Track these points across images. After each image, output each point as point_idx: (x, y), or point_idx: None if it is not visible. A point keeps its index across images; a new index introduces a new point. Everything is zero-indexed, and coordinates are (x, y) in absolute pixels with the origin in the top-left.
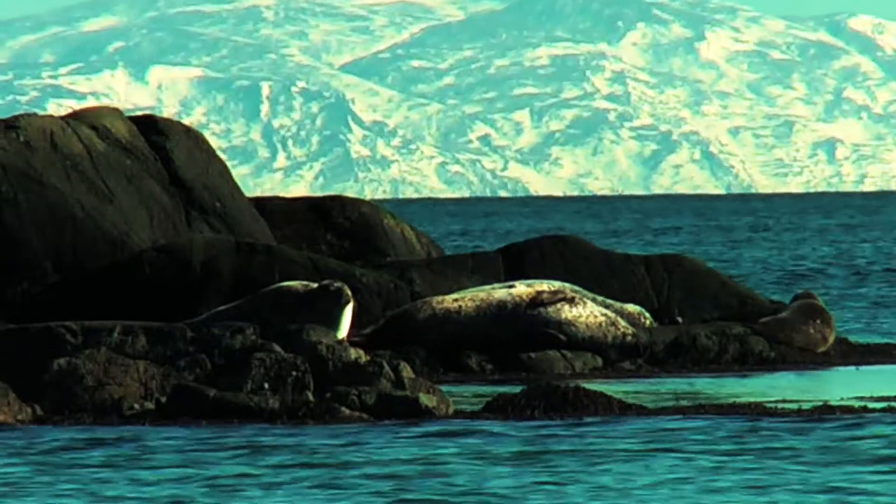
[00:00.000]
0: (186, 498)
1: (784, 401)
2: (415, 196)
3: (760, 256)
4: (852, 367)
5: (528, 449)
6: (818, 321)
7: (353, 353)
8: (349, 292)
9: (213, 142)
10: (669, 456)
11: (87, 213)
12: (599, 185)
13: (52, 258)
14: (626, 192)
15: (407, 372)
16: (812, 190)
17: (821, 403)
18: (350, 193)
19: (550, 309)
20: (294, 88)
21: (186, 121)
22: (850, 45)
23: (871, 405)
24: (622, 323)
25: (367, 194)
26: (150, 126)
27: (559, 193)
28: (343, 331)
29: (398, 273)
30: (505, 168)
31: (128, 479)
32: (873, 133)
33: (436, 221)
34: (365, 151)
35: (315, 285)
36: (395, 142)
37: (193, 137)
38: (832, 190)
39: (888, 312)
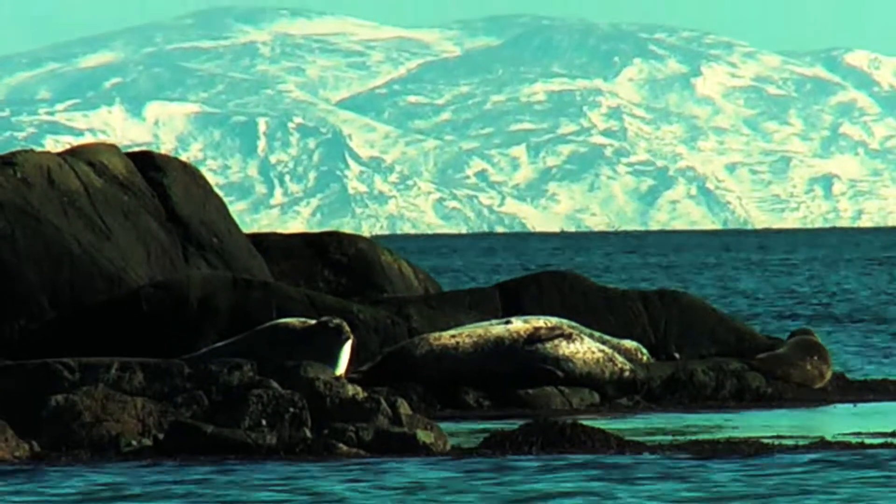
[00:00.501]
0: None
1: (781, 436)
2: (412, 232)
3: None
4: (850, 405)
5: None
6: (815, 357)
7: (351, 389)
8: (348, 329)
9: (210, 178)
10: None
11: (84, 250)
12: (596, 221)
13: (49, 294)
14: (623, 228)
15: (404, 408)
16: (808, 226)
17: (817, 440)
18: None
19: (548, 345)
20: (291, 124)
21: (183, 157)
22: (847, 81)
23: (868, 441)
24: (619, 359)
25: (365, 230)
26: (147, 162)
27: (556, 229)
28: (342, 367)
29: (395, 309)
30: (502, 204)
31: None
32: (870, 169)
33: (433, 257)
34: (362, 187)
35: (313, 322)
36: (393, 178)
37: (190, 173)
38: (828, 226)
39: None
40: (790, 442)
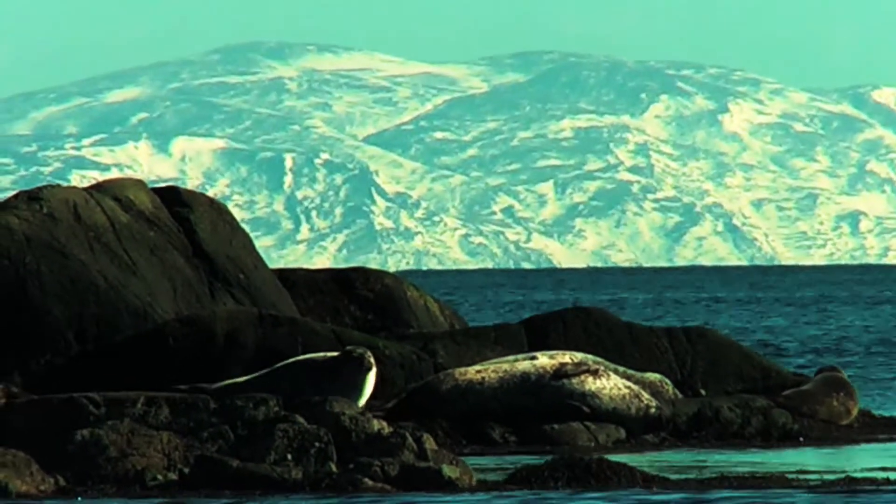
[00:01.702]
0: None
1: (805, 471)
2: (438, 268)
3: None
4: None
5: None
6: (842, 394)
7: (377, 424)
8: (372, 358)
9: (237, 213)
10: None
11: (110, 285)
12: (623, 258)
13: (75, 329)
14: (647, 265)
15: (430, 443)
16: (835, 262)
17: (843, 475)
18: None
19: (574, 381)
20: (317, 160)
21: (210, 192)
22: (874, 118)
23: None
24: (645, 395)
25: (391, 266)
26: (173, 197)
27: (582, 265)
28: (365, 397)
29: (421, 345)
30: (528, 240)
31: None
32: None
33: (459, 293)
34: (388, 223)
35: (337, 353)
36: (419, 213)
37: (217, 209)
38: (855, 263)
39: None
40: (815, 478)
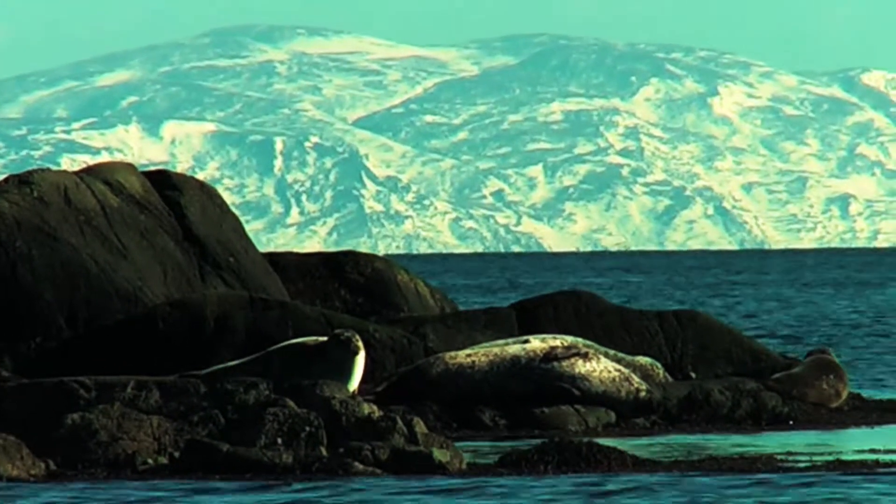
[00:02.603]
0: None
1: (794, 453)
2: (428, 251)
3: None
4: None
5: None
6: (831, 376)
7: (367, 408)
8: (360, 342)
9: (227, 197)
10: None
11: (100, 269)
12: (613, 241)
13: (65, 313)
14: (633, 248)
15: (420, 427)
16: (825, 245)
17: (834, 459)
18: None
19: (564, 364)
20: (307, 143)
21: (200, 176)
22: (864, 101)
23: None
24: (636, 379)
25: (381, 250)
26: (163, 181)
27: (572, 249)
28: (355, 381)
29: (412, 328)
30: (518, 223)
31: None
32: (887, 189)
33: (449, 276)
34: (378, 207)
35: (326, 338)
36: (409, 197)
37: (207, 193)
38: (845, 246)
39: None
40: (804, 459)
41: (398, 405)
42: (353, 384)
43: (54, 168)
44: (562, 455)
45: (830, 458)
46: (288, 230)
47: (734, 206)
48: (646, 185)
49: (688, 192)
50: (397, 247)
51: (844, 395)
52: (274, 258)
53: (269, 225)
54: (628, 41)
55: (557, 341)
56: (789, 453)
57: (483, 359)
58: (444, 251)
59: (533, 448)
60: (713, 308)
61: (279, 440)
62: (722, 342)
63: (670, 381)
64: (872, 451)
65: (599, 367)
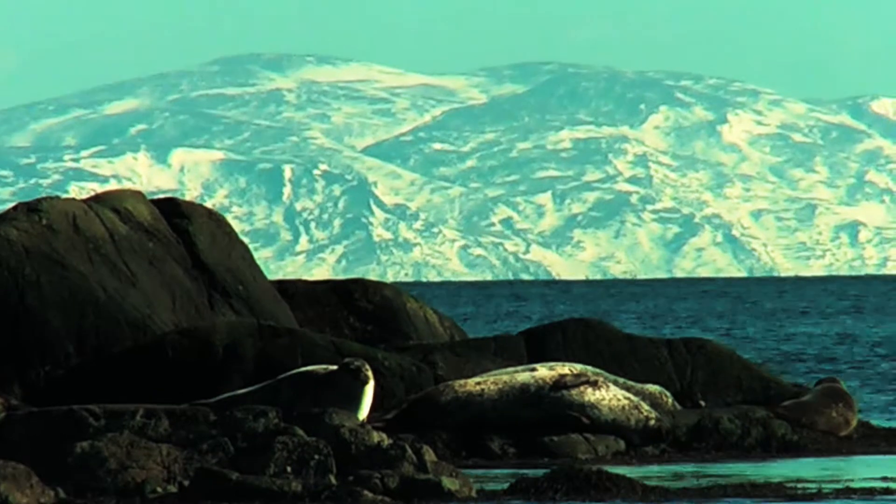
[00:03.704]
0: None
1: (803, 481)
2: (437, 279)
3: None
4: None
5: None
6: (841, 404)
7: (376, 436)
8: (369, 370)
9: (236, 225)
10: None
11: (109, 296)
12: (622, 269)
13: (74, 341)
14: (641, 276)
15: (429, 455)
16: (834, 273)
17: (843, 487)
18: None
19: (574, 392)
20: (316, 171)
21: (209, 203)
22: (873, 129)
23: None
24: (645, 407)
25: (390, 277)
26: (172, 209)
27: (581, 277)
28: (365, 409)
29: (421, 356)
30: (527, 251)
31: None
32: None
33: (458, 304)
34: (387, 234)
35: (335, 367)
36: (418, 225)
37: (216, 220)
38: (854, 273)
39: None
40: (814, 487)
41: (407, 433)
42: (363, 413)
43: (63, 196)
44: (571, 483)
45: (840, 485)
46: (297, 258)
47: (743, 234)
48: (655, 212)
49: (697, 220)
50: (406, 274)
51: (854, 423)
52: (283, 286)
53: (278, 253)
54: (637, 69)
55: (567, 369)
56: (799, 481)
57: (492, 387)
58: (453, 279)
59: (542, 476)
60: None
61: (288, 468)
62: (731, 370)
63: (679, 409)
64: (883, 478)
65: (609, 396)
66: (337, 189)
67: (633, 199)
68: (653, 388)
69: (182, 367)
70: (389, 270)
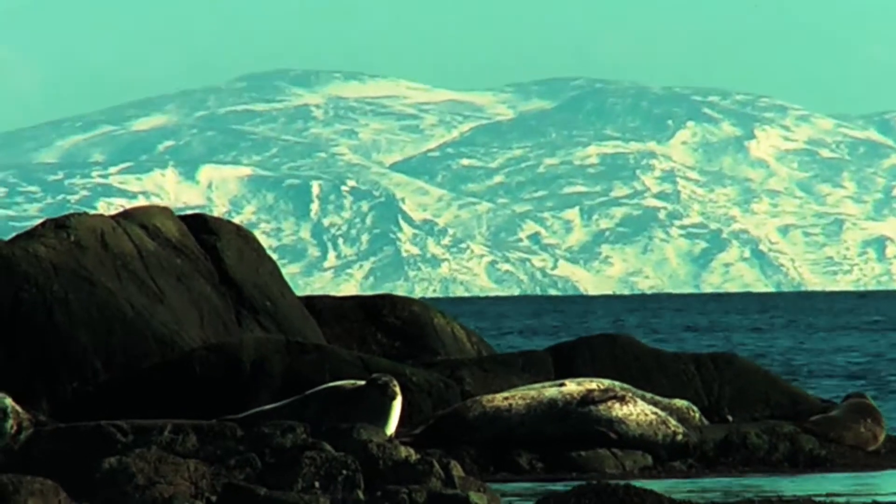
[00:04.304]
0: None
1: (833, 495)
2: (465, 295)
3: None
4: None
5: None
6: (869, 420)
7: (404, 451)
8: (397, 386)
9: (263, 240)
10: None
11: (137, 313)
12: (650, 284)
13: (102, 357)
14: (670, 290)
15: (457, 470)
16: (862, 288)
17: (871, 501)
18: (400, 292)
19: (601, 407)
20: (344, 187)
21: (236, 219)
22: None
23: None
24: (672, 422)
25: (418, 293)
26: (200, 225)
27: (609, 292)
28: (392, 425)
29: (448, 372)
30: (555, 267)
31: None
32: None
33: (486, 320)
34: (415, 250)
35: (363, 382)
36: (445, 240)
37: (243, 236)
38: (882, 288)
39: None
40: (842, 501)
41: (435, 448)
42: (391, 428)
43: (91, 212)
44: (599, 498)
45: (868, 500)
46: (324, 274)
47: (770, 249)
48: (682, 227)
49: (724, 235)
50: (434, 290)
51: (882, 438)
52: (310, 302)
53: (306, 269)
54: (665, 84)
55: (594, 384)
56: (828, 495)
57: (520, 402)
58: (481, 294)
59: (570, 491)
60: None
61: (316, 484)
62: (759, 385)
63: (707, 425)
64: None
65: (636, 411)
66: (365, 205)
67: (661, 214)
68: (680, 403)
69: (210, 382)
70: (417, 286)
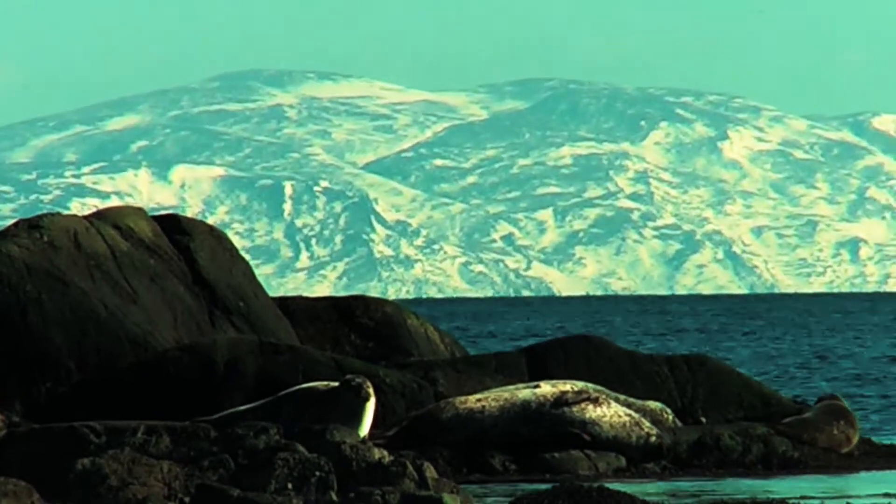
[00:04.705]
0: None
1: (806, 497)
2: (438, 296)
3: None
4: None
5: None
6: (842, 422)
7: (377, 453)
8: (370, 387)
9: (237, 241)
10: None
11: (110, 313)
12: (623, 285)
13: (75, 358)
14: (642, 292)
15: (431, 472)
16: (835, 290)
17: (844, 502)
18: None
19: (575, 409)
20: (317, 188)
21: (209, 220)
22: (874, 145)
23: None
24: (646, 423)
25: (391, 294)
26: (173, 225)
27: (582, 293)
28: (366, 426)
29: (422, 373)
30: (528, 268)
31: None
32: None
33: (459, 321)
34: (388, 251)
35: (336, 384)
36: (419, 241)
37: (217, 237)
38: (855, 290)
39: None
40: (815, 502)
41: (408, 450)
42: (364, 429)
43: (64, 212)
44: (572, 499)
45: (842, 502)
46: (298, 275)
47: (744, 251)
48: (655, 229)
49: (698, 237)
50: (407, 291)
51: (855, 440)
52: (284, 303)
53: (279, 269)
54: (638, 85)
55: (567, 386)
56: (801, 497)
57: (493, 403)
58: (454, 296)
59: (543, 492)
60: None
61: (289, 485)
62: (732, 387)
63: (680, 426)
64: (885, 494)
65: (610, 412)
66: (338, 205)
67: (635, 215)
68: (654, 404)
69: (183, 383)
70: (390, 287)
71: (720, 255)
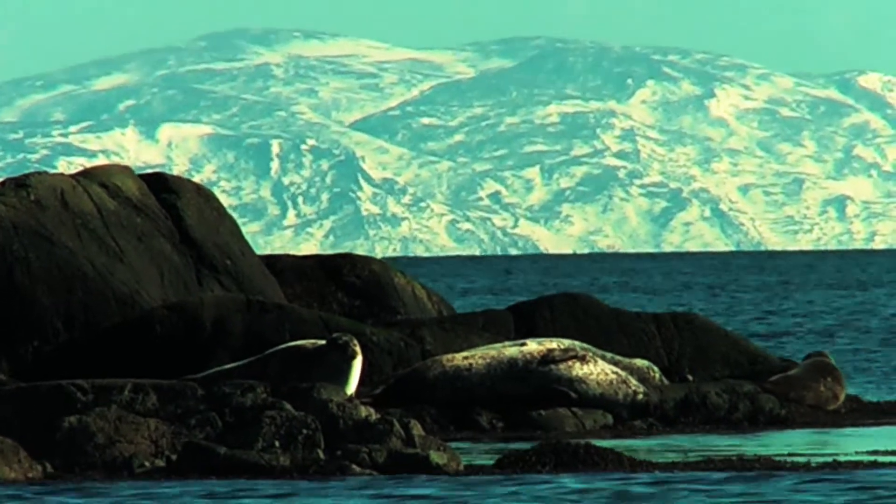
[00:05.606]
0: None
1: (793, 454)
2: (425, 254)
3: None
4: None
5: None
6: (829, 379)
7: (364, 411)
8: (357, 346)
9: (224, 199)
10: None
11: (97, 272)
12: (609, 243)
13: (62, 316)
14: (629, 250)
15: (417, 430)
16: (822, 247)
17: (831, 459)
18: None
19: (562, 366)
20: (304, 146)
21: (196, 178)
22: (860, 103)
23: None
24: (633, 381)
25: (378, 252)
26: (160, 184)
27: (569, 251)
28: (352, 385)
29: (409, 331)
30: (515, 225)
31: None
32: (883, 191)
33: (446, 279)
34: (375, 209)
35: (323, 342)
36: (406, 199)
37: (204, 195)
38: (842, 248)
39: None
40: (802, 460)
41: (395, 408)
42: (351, 387)
43: (51, 171)
44: (559, 457)
45: (828, 458)
46: (284, 233)
47: (731, 209)
48: (642, 186)
49: (684, 195)
50: (394, 249)
51: (842, 397)
52: (271, 261)
53: (266, 227)
54: (625, 44)
55: (554, 344)
56: (789, 455)
57: (480, 361)
58: (441, 254)
59: (530, 450)
60: None
61: (276, 443)
62: (719, 345)
63: (667, 384)
64: (873, 451)
65: (596, 370)
66: (325, 164)
67: (621, 173)
68: (640, 362)
69: (170, 342)
70: (377, 245)
71: (707, 213)
